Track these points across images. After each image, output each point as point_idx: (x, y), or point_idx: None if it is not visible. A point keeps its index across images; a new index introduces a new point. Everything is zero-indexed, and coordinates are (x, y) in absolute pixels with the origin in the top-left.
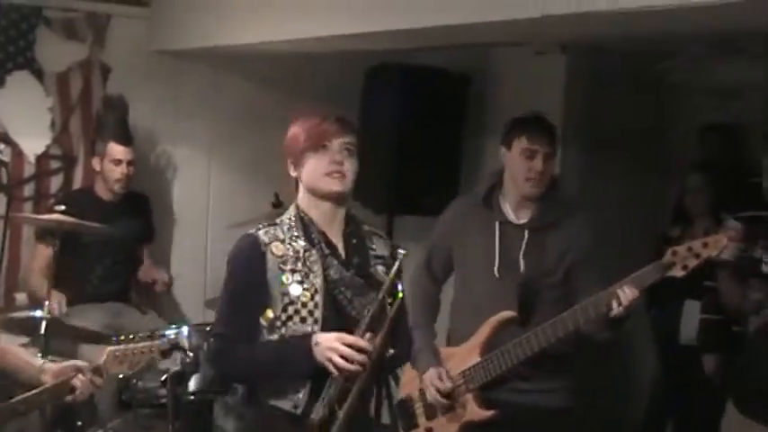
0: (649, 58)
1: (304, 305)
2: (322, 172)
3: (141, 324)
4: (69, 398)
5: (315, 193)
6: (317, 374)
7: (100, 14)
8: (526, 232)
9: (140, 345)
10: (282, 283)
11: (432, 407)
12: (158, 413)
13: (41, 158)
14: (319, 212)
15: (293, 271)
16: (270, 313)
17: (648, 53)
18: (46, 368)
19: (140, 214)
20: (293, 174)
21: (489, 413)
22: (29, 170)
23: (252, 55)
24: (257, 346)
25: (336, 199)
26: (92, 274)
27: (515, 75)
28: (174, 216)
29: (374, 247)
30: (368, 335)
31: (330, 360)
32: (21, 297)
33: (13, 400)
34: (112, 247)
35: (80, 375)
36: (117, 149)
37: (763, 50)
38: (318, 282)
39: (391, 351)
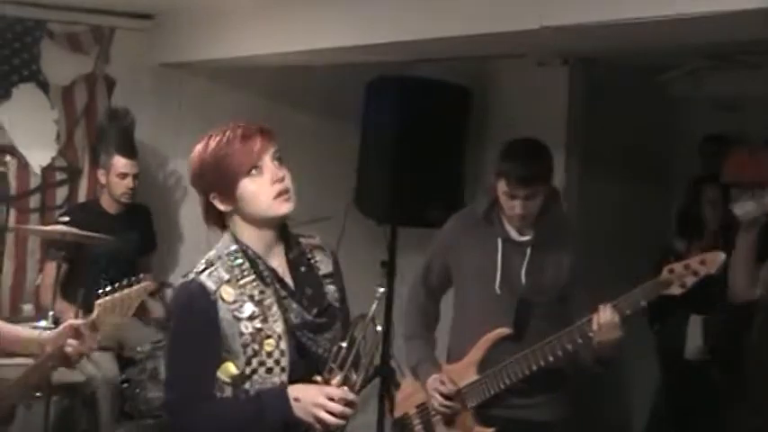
0: (650, 69)
1: (269, 354)
2: (268, 197)
3: (143, 335)
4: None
5: (259, 221)
6: (291, 428)
7: (104, 28)
8: (528, 250)
9: (126, 291)
10: (241, 334)
11: (430, 424)
12: (160, 424)
13: (47, 170)
14: (261, 242)
15: (251, 318)
16: (233, 369)
17: (649, 65)
18: (45, 338)
19: (142, 226)
20: (224, 208)
21: (489, 431)
22: (34, 182)
23: (254, 67)
24: (223, 404)
25: (283, 221)
26: (95, 285)
27: (516, 87)
28: (177, 227)
29: (319, 266)
30: (339, 377)
31: (316, 417)
32: (27, 308)
33: (23, 373)
34: (116, 259)
35: (71, 339)
36: (123, 163)
37: (763, 62)
38: (280, 327)
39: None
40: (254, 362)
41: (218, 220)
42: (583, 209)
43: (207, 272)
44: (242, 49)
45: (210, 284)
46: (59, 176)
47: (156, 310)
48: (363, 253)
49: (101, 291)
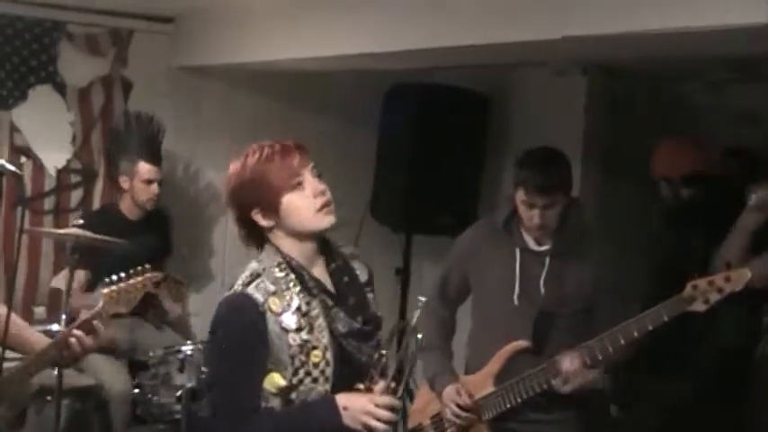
0: (670, 80)
1: (315, 365)
2: (311, 210)
3: (156, 340)
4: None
5: (301, 234)
6: None
7: (122, 30)
8: (547, 259)
9: (131, 282)
10: (289, 346)
11: None
12: (172, 429)
13: (62, 172)
14: (303, 254)
15: (298, 330)
16: (279, 380)
17: (669, 75)
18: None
19: (161, 230)
20: (266, 223)
21: None
22: (49, 184)
23: (273, 72)
24: (273, 415)
25: (324, 234)
26: None
27: (536, 95)
28: (194, 231)
29: (359, 274)
30: (382, 384)
31: (366, 425)
32: (39, 310)
33: (23, 363)
34: (132, 264)
35: (74, 331)
36: (148, 169)
37: None
38: (325, 337)
39: None
40: (301, 372)
41: (256, 237)
42: (600, 219)
43: (254, 284)
44: (261, 54)
45: (258, 296)
46: (74, 179)
47: (175, 309)
48: (378, 260)
49: (106, 280)
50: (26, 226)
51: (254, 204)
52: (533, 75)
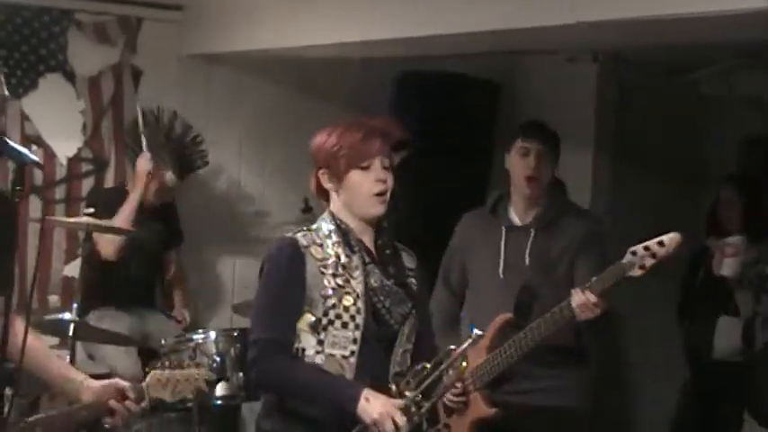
0: (681, 67)
1: (346, 309)
2: (368, 192)
3: (166, 329)
4: (107, 422)
5: (355, 212)
6: (346, 419)
7: (131, 18)
8: (531, 231)
9: (185, 372)
10: (324, 286)
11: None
12: (184, 417)
13: (73, 161)
14: (356, 223)
15: (334, 275)
16: (310, 317)
17: (681, 62)
18: (87, 385)
19: (168, 219)
20: (327, 186)
21: (492, 411)
22: (60, 173)
23: (283, 60)
24: (302, 365)
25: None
26: (120, 277)
27: (546, 83)
28: (204, 220)
29: (406, 262)
30: (413, 395)
31: (378, 422)
32: (53, 299)
33: (49, 414)
34: (140, 252)
35: (120, 400)
36: (174, 181)
37: None
38: (360, 288)
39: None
40: (332, 313)
41: (322, 192)
42: (612, 206)
43: (302, 233)
44: (271, 42)
45: (303, 241)
46: (85, 167)
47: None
48: None
49: (159, 364)
50: (38, 215)
51: (324, 165)
52: (544, 62)
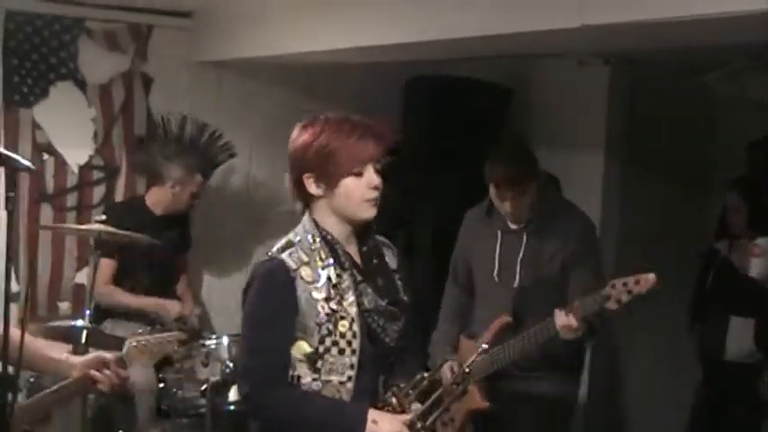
0: (692, 70)
1: (342, 335)
2: (360, 198)
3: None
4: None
5: (344, 217)
6: None
7: (142, 25)
8: (524, 235)
9: (159, 335)
10: (317, 313)
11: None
12: (197, 423)
13: (84, 169)
14: (341, 231)
15: (327, 299)
16: (306, 346)
17: (691, 65)
18: (73, 361)
19: (182, 225)
20: (314, 191)
21: (486, 404)
22: (72, 180)
23: (293, 65)
24: (306, 396)
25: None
26: (134, 284)
27: (558, 86)
28: (215, 224)
29: (389, 261)
30: (417, 408)
31: None
32: (63, 306)
33: (40, 394)
34: (154, 259)
35: (104, 369)
36: (201, 184)
37: None
38: (353, 310)
39: None
40: (328, 341)
41: (304, 199)
42: (623, 209)
43: (287, 252)
44: (280, 48)
45: (291, 263)
46: (96, 175)
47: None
48: None
49: (137, 331)
50: (49, 222)
51: (311, 170)
52: (555, 66)
